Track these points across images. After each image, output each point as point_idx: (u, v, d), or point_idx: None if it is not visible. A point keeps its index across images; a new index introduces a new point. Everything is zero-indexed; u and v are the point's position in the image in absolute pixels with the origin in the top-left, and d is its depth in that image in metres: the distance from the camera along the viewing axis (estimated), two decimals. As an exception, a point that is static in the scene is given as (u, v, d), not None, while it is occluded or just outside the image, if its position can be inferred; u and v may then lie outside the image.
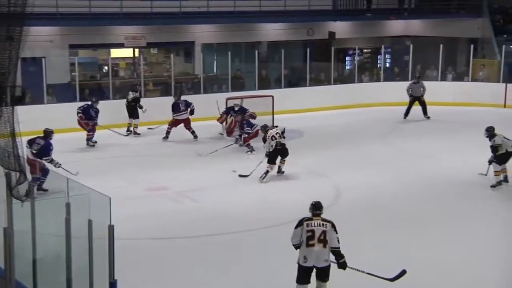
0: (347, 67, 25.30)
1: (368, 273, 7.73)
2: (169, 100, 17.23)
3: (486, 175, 12.67)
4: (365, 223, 10.67)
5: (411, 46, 22.47)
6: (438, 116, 19.29)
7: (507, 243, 9.93)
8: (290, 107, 19.28)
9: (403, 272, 7.89)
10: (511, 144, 12.30)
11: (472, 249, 9.63)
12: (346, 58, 25.43)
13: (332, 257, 7.57)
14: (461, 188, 12.56)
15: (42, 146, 11.97)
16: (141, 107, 17.39)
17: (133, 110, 17.45)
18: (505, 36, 23.96)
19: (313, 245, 7.45)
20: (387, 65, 24.92)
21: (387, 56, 25.20)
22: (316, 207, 7.65)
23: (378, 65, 24.47)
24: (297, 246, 7.59)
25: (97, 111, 16.07)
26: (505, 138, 12.40)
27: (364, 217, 10.98)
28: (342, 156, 15.11)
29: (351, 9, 24.70)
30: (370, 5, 24.52)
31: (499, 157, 12.28)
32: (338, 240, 7.52)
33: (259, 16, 22.71)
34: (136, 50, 22.06)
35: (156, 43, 22.15)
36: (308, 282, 7.62)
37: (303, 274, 7.57)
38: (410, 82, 19.99)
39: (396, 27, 25.70)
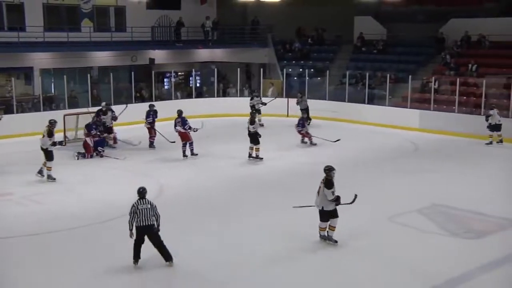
0: (166, 86, 25.51)
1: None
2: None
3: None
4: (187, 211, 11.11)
5: (215, 69, 23.23)
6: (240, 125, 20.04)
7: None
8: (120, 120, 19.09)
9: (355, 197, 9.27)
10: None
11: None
12: (164, 79, 25.58)
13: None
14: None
15: None
16: None
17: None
18: (285, 62, 25.48)
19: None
20: (198, 84, 25.54)
21: (197, 77, 25.81)
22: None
23: (190, 85, 24.94)
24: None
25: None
26: None
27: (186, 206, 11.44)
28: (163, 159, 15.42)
29: (167, 40, 25.00)
30: (180, 37, 24.90)
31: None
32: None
33: (90, 45, 22.30)
34: (-21, 75, 20.63)
35: (-1, 68, 20.89)
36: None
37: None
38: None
39: (203, 54, 26.32)
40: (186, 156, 15.22)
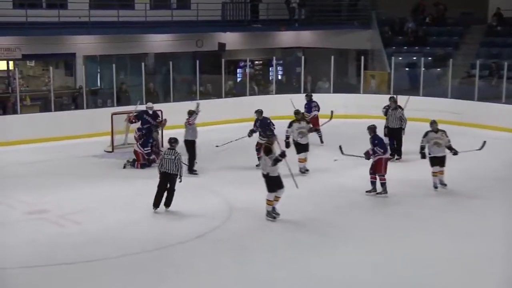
0: (238, 78, 25.55)
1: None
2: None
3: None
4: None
5: (303, 58, 23.03)
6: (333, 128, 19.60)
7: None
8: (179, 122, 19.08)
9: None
10: None
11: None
12: (237, 70, 25.67)
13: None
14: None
15: None
16: None
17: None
18: (394, 47, 24.98)
19: None
20: (279, 76, 25.37)
21: (279, 67, 25.66)
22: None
23: (270, 77, 24.85)
24: None
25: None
26: None
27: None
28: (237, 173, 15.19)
29: (241, 20, 24.99)
30: (258, 16, 24.84)
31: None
32: None
33: (145, 27, 22.57)
34: (11, 63, 21.30)
35: (33, 55, 21.46)
36: None
37: None
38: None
39: (287, 38, 26.21)
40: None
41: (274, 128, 15.19)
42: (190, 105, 20.41)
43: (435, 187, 13.53)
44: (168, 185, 12.05)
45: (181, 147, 13.36)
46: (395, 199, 13.09)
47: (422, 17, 26.13)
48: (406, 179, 14.37)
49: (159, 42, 23.44)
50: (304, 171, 14.77)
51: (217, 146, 16.67)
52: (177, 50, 23.71)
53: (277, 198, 11.70)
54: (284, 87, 24.04)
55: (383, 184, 13.07)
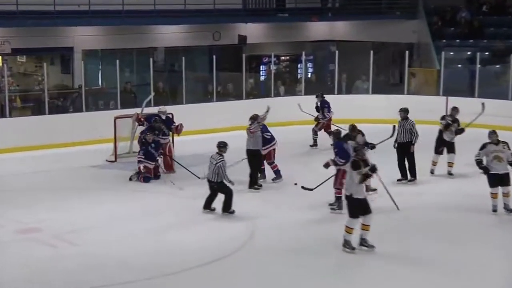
0: (262, 77, 25.60)
1: None
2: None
3: None
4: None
5: (337, 52, 22.98)
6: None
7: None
8: (193, 127, 19.20)
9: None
10: None
11: None
12: (261, 67, 25.69)
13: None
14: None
15: None
16: None
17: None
18: (444, 41, 24.87)
19: None
20: (309, 74, 25.33)
21: (309, 64, 25.65)
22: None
23: (299, 75, 24.85)
24: None
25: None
26: None
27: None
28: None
29: (265, 9, 25.07)
30: (284, 4, 24.82)
31: None
32: None
33: (154, 17, 22.72)
34: (-1, 58, 21.60)
35: (24, 49, 21.69)
36: None
37: None
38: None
39: (319, 30, 26.26)
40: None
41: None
42: (205, 108, 20.69)
43: (494, 211, 13.06)
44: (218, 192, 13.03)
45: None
46: (450, 223, 12.93)
47: (478, 5, 26.03)
48: (458, 202, 14.12)
49: (170, 35, 23.63)
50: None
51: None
52: (191, 44, 23.84)
53: (365, 227, 11.17)
54: (315, 87, 23.85)
55: (338, 199, 13.03)
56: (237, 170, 14.17)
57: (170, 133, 16.53)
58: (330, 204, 13.20)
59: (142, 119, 16.50)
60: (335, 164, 13.00)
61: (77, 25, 21.76)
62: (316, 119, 18.88)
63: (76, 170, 16.68)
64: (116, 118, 17.59)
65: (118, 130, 17.49)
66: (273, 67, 23.62)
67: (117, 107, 19.87)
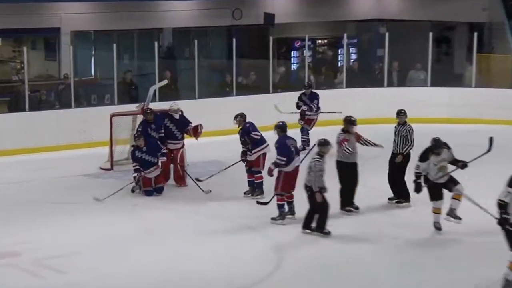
0: (294, 65, 25.56)
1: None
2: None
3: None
4: None
5: (386, 34, 22.98)
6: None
7: None
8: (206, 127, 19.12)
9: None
10: None
11: None
12: (292, 52, 25.75)
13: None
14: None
15: None
16: None
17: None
18: (522, 20, 24.82)
19: None
20: (352, 61, 25.28)
21: (352, 49, 25.64)
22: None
23: (339, 63, 24.85)
24: None
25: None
26: None
27: None
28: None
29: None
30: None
31: None
32: None
33: (160, -10, 22.89)
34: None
35: (0, 30, 21.70)
36: None
37: None
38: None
39: (364, 6, 26.42)
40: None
41: None
42: (222, 103, 20.65)
43: None
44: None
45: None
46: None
47: None
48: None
49: (180, 13, 23.73)
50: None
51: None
52: (205, 24, 24.03)
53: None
54: (358, 78, 23.95)
55: (280, 206, 13.41)
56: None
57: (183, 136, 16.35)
58: (273, 218, 13.47)
59: (149, 112, 16.04)
60: (277, 165, 13.32)
61: (64, 1, 21.89)
62: (302, 114, 19.03)
63: (63, 180, 16.68)
64: (112, 115, 17.57)
65: (114, 131, 17.53)
66: (307, 53, 23.64)
67: (113, 102, 20.11)
